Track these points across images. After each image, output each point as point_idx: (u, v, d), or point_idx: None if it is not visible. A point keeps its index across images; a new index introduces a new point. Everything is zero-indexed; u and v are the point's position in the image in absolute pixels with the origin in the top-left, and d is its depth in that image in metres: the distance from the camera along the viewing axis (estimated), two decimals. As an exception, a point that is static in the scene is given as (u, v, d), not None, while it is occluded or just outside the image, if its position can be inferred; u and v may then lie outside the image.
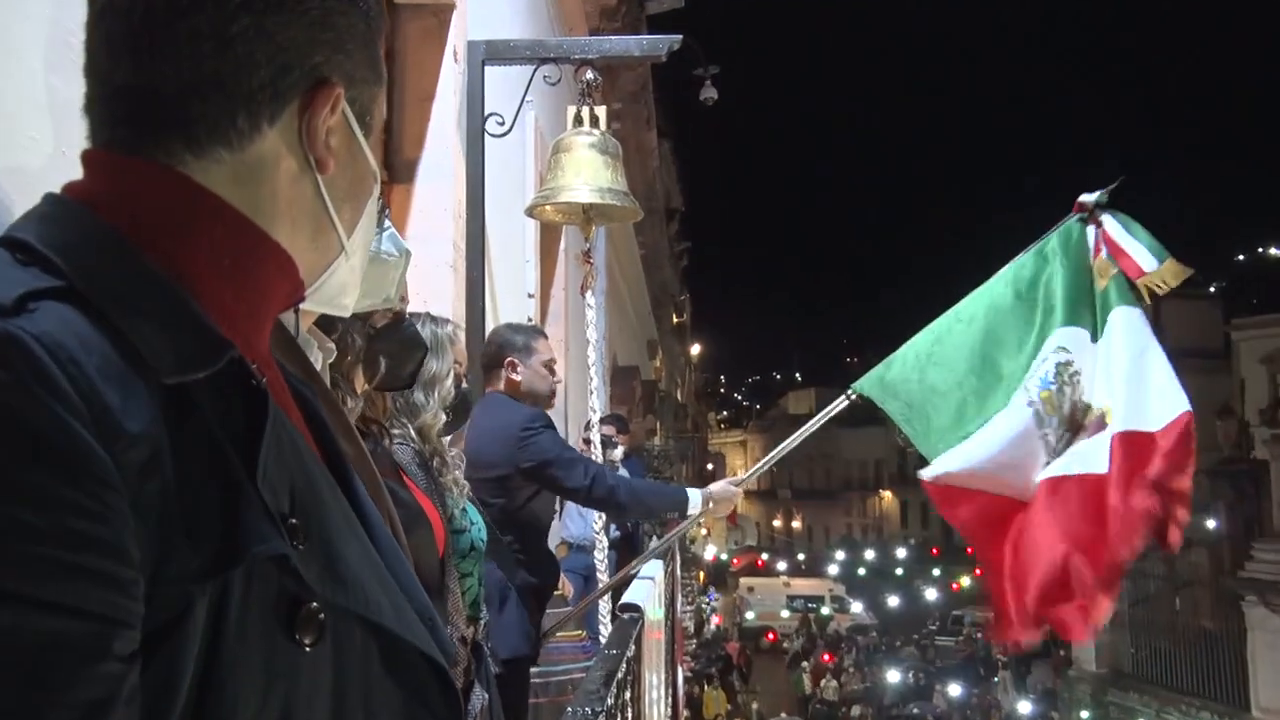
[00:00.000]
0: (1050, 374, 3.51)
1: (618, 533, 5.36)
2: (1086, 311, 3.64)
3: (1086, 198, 3.69)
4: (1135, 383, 3.54)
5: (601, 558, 3.70)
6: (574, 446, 4.07)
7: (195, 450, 0.64)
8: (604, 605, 3.66)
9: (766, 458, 3.95)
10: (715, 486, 3.65)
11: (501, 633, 2.96)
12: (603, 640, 3.51)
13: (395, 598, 0.79)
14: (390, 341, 1.70)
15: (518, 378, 3.32)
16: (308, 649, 0.67)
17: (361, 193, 0.85)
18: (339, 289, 0.88)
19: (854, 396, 3.53)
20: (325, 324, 1.49)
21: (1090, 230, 3.66)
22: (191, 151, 0.73)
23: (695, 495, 3.58)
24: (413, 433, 1.96)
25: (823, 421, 3.64)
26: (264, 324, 0.80)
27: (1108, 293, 3.64)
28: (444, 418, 2.04)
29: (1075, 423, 3.51)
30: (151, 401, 0.62)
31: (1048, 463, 3.41)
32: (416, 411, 1.97)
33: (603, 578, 3.69)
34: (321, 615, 0.68)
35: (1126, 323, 3.66)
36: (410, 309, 1.98)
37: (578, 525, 5.31)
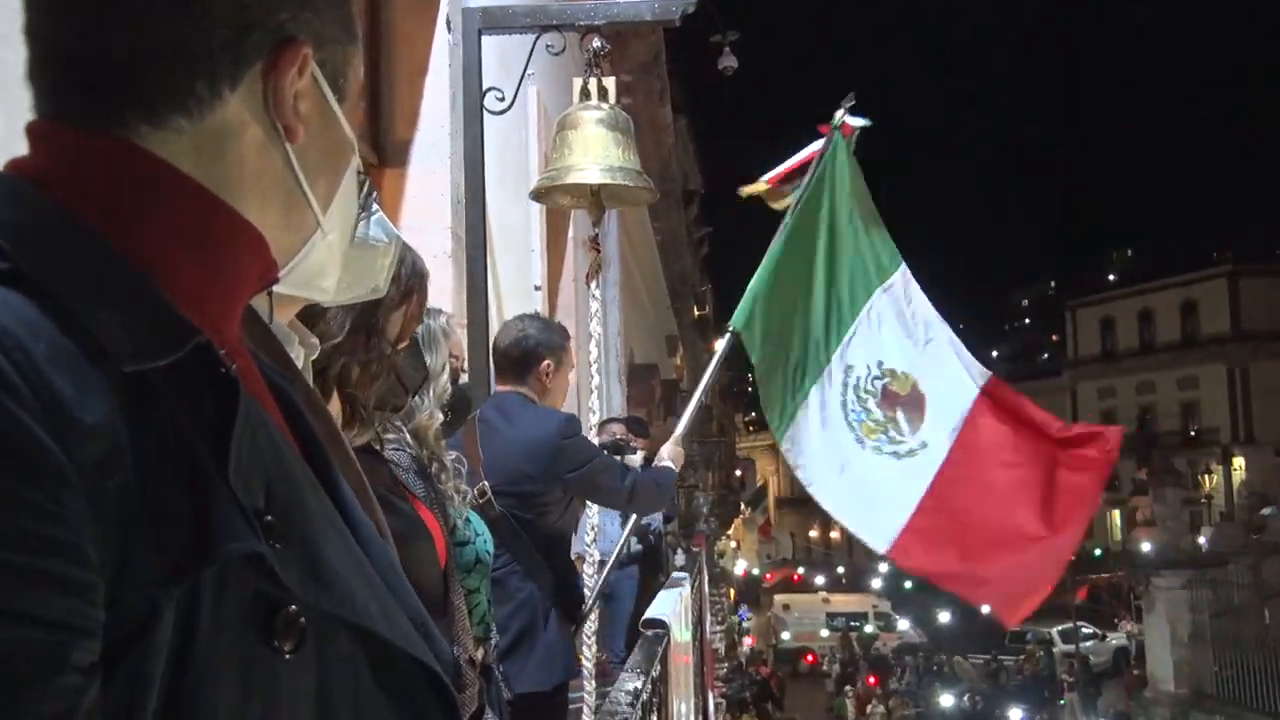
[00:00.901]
0: (854, 404, 4.14)
1: (639, 546, 5.35)
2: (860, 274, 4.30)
3: (852, 120, 4.30)
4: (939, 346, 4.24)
5: (590, 572, 3.68)
6: None
7: (160, 443, 0.63)
8: (588, 624, 3.65)
9: (689, 407, 4.44)
10: (666, 450, 3.88)
11: (550, 655, 2.97)
12: (585, 663, 3.51)
13: (385, 602, 0.79)
14: (404, 363, 1.71)
15: (550, 385, 3.27)
16: (288, 656, 0.67)
17: (337, 164, 0.84)
18: (317, 270, 0.88)
19: (733, 330, 4.21)
20: (360, 341, 1.49)
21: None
22: (148, 122, 0.73)
23: (671, 465, 3.81)
24: (408, 437, 1.96)
25: (719, 363, 4.44)
26: (233, 308, 0.79)
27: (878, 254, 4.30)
28: (440, 417, 2.03)
29: (894, 401, 4.16)
30: (109, 391, 0.62)
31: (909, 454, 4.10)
32: (411, 413, 1.97)
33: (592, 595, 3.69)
34: (302, 619, 0.67)
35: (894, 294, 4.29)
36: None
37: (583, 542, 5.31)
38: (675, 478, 3.85)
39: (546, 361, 3.23)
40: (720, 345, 4.31)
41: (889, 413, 4.12)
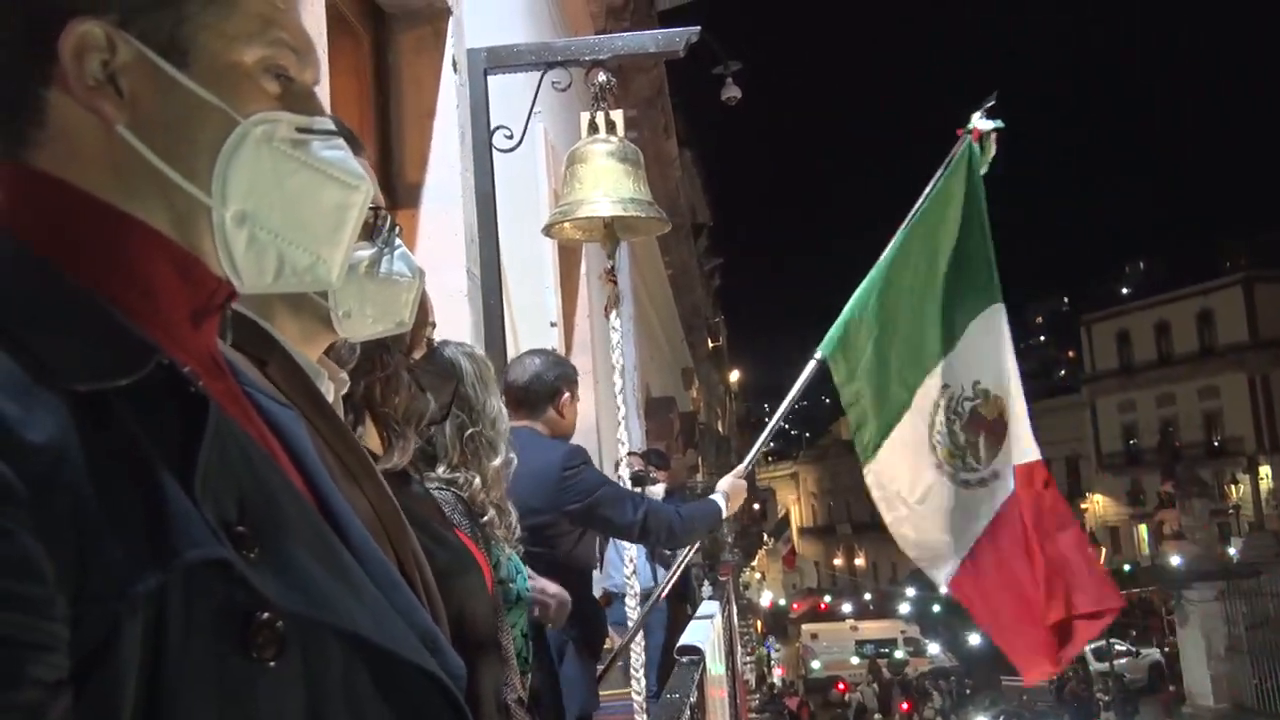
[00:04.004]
0: (941, 426, 3.98)
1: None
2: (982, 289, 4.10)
3: (982, 123, 3.96)
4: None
5: (633, 604, 3.62)
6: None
7: (116, 461, 0.64)
8: (635, 656, 3.60)
9: (758, 441, 4.24)
10: (724, 483, 3.75)
11: (569, 688, 2.93)
12: (635, 696, 3.46)
13: (377, 610, 0.78)
14: (428, 375, 1.70)
15: (566, 416, 3.31)
16: (270, 665, 0.66)
17: (206, 135, 0.79)
18: (255, 257, 0.82)
19: (821, 358, 3.96)
20: (374, 361, 1.49)
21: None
22: (19, 140, 0.74)
23: (722, 501, 3.67)
24: (460, 479, 2.00)
25: (800, 392, 4.03)
26: (179, 321, 0.79)
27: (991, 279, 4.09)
28: (511, 457, 2.11)
29: (979, 426, 4.02)
30: (61, 412, 0.62)
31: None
32: (480, 461, 2.03)
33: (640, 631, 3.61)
34: (280, 625, 0.67)
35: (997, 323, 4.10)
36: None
37: (622, 575, 5.27)
38: (718, 515, 3.69)
39: (565, 394, 3.26)
40: (806, 372, 4.01)
41: (971, 437, 3.98)
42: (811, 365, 3.97)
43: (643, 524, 3.25)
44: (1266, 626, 16.72)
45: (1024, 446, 3.98)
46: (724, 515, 3.68)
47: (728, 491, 3.70)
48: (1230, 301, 42.52)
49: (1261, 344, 40.83)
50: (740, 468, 3.88)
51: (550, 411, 3.26)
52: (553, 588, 2.57)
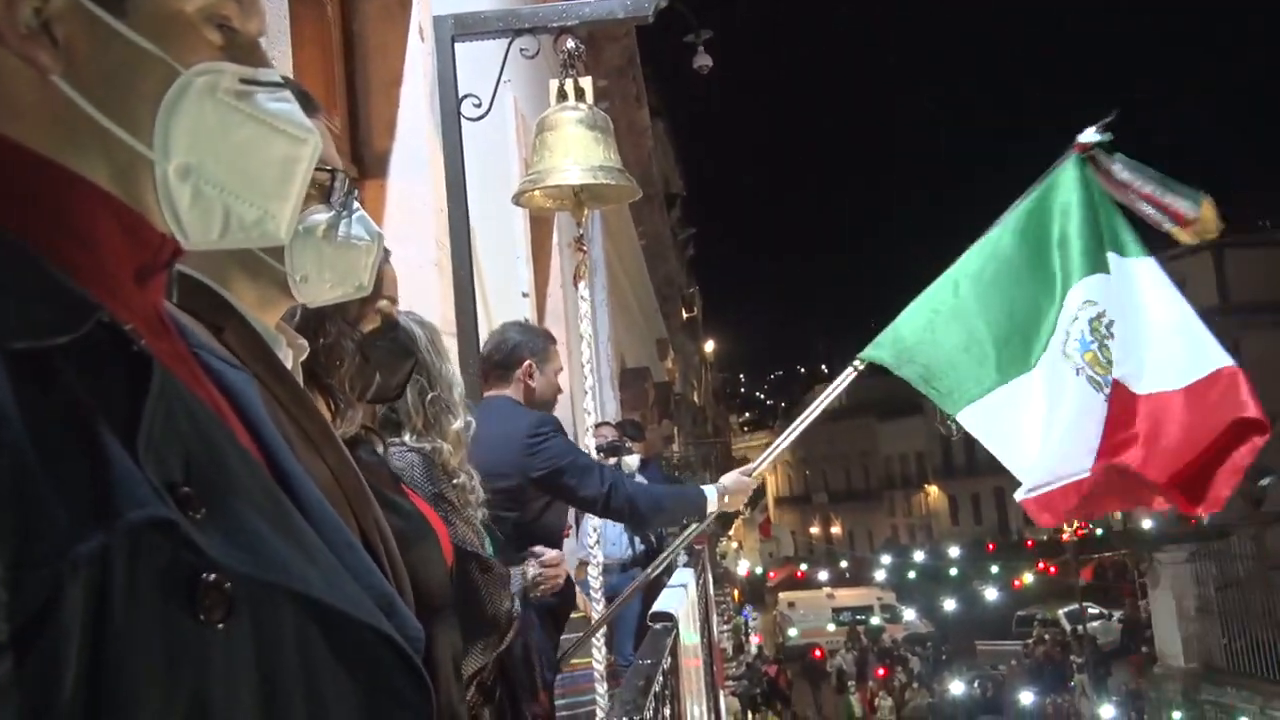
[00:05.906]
0: (1086, 332, 3.58)
1: (642, 547, 5.34)
2: (1101, 254, 3.71)
3: (1087, 137, 3.69)
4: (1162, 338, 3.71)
5: (596, 574, 3.63)
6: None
7: (57, 421, 0.62)
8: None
9: (776, 443, 3.86)
10: (727, 479, 3.66)
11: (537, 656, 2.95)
12: (596, 665, 3.49)
13: (331, 573, 0.78)
14: (380, 350, 1.69)
15: (535, 384, 3.33)
16: (219, 627, 0.65)
17: (144, 82, 0.77)
18: (201, 212, 0.80)
19: (861, 366, 3.62)
20: (313, 329, 1.48)
21: (1091, 172, 3.71)
22: None
23: (711, 492, 3.59)
24: (426, 444, 2.01)
25: (832, 397, 3.68)
26: (122, 279, 0.77)
27: (1119, 236, 3.73)
28: (470, 421, 2.11)
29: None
30: None
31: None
32: (440, 425, 2.05)
33: (597, 601, 3.62)
34: (228, 587, 0.66)
35: (1149, 275, 3.79)
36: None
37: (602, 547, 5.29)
38: (699, 506, 3.59)
39: (527, 362, 3.31)
40: (844, 376, 3.66)
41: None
42: (850, 371, 3.64)
43: (607, 499, 3.25)
44: (1235, 588, 16.97)
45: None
46: (711, 509, 3.58)
47: (729, 487, 3.61)
48: (1201, 267, 42.83)
49: (1232, 308, 41.21)
50: (751, 466, 3.73)
51: (517, 380, 3.31)
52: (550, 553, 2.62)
